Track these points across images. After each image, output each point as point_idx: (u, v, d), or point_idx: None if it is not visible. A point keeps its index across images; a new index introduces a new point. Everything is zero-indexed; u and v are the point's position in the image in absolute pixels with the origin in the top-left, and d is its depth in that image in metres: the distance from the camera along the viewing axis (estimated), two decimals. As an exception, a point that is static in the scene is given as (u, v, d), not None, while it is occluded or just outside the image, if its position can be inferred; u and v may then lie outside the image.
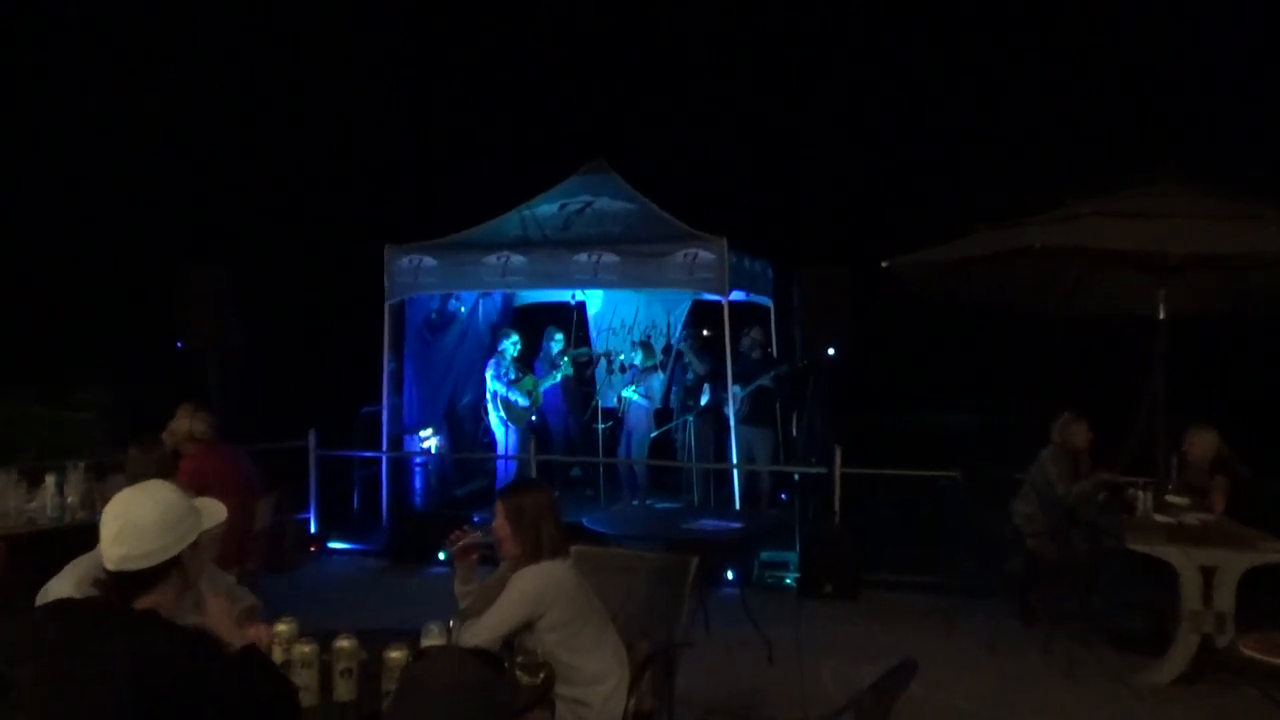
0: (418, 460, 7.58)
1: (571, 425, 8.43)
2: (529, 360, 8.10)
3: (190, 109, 12.34)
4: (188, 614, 1.93)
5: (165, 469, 3.66)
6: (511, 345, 7.82)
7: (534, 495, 2.80)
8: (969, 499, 5.15)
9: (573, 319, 8.44)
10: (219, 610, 2.01)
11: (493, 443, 8.04)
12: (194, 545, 1.92)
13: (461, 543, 2.84)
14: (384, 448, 7.28)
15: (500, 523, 2.75)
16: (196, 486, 2.73)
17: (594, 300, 9.03)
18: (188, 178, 11.92)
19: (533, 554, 2.71)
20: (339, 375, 8.74)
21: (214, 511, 2.06)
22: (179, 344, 6.53)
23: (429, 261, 7.09)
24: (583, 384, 8.65)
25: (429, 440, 7.76)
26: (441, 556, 6.37)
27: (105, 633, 1.69)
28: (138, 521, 1.84)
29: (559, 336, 8.17)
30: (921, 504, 5.76)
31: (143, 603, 1.81)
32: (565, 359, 7.93)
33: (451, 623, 2.65)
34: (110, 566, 1.81)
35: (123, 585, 1.81)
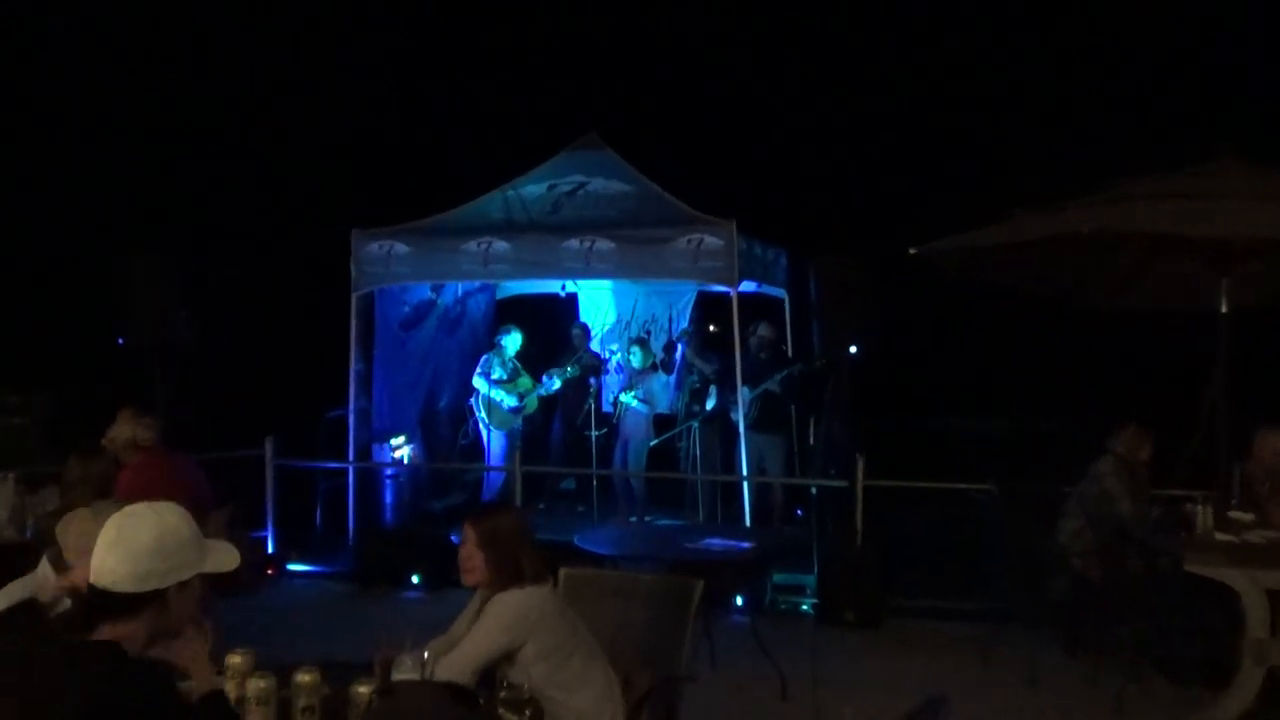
0: (389, 471, 7.58)
1: (562, 432, 8.44)
2: (540, 362, 8.13)
3: (130, 78, 12.30)
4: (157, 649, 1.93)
5: (107, 482, 3.65)
6: (512, 342, 7.83)
7: (508, 519, 2.82)
8: (1007, 514, 5.14)
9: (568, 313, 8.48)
10: (193, 648, 2.02)
11: (476, 449, 8.04)
12: (184, 585, 1.92)
13: (389, 665, 2.73)
14: (350, 457, 7.27)
15: (470, 550, 2.75)
16: (138, 500, 2.72)
17: (587, 292, 9.05)
18: (129, 155, 11.90)
19: (513, 580, 2.72)
20: (300, 376, 8.72)
21: (222, 557, 2.04)
22: (120, 341, 6.52)
23: (401, 248, 7.08)
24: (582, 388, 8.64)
25: (401, 449, 7.76)
26: (415, 580, 6.37)
27: (53, 668, 1.69)
28: (131, 537, 1.86)
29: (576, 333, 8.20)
30: (954, 520, 5.76)
31: (107, 633, 1.81)
32: (571, 365, 7.95)
33: (424, 654, 2.64)
34: (91, 579, 1.85)
35: (93, 606, 1.83)
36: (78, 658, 1.72)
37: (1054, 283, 5.54)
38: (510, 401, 7.78)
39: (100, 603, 1.83)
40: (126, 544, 1.86)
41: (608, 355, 8.47)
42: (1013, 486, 5.32)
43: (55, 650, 1.73)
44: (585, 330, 8.44)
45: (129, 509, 1.93)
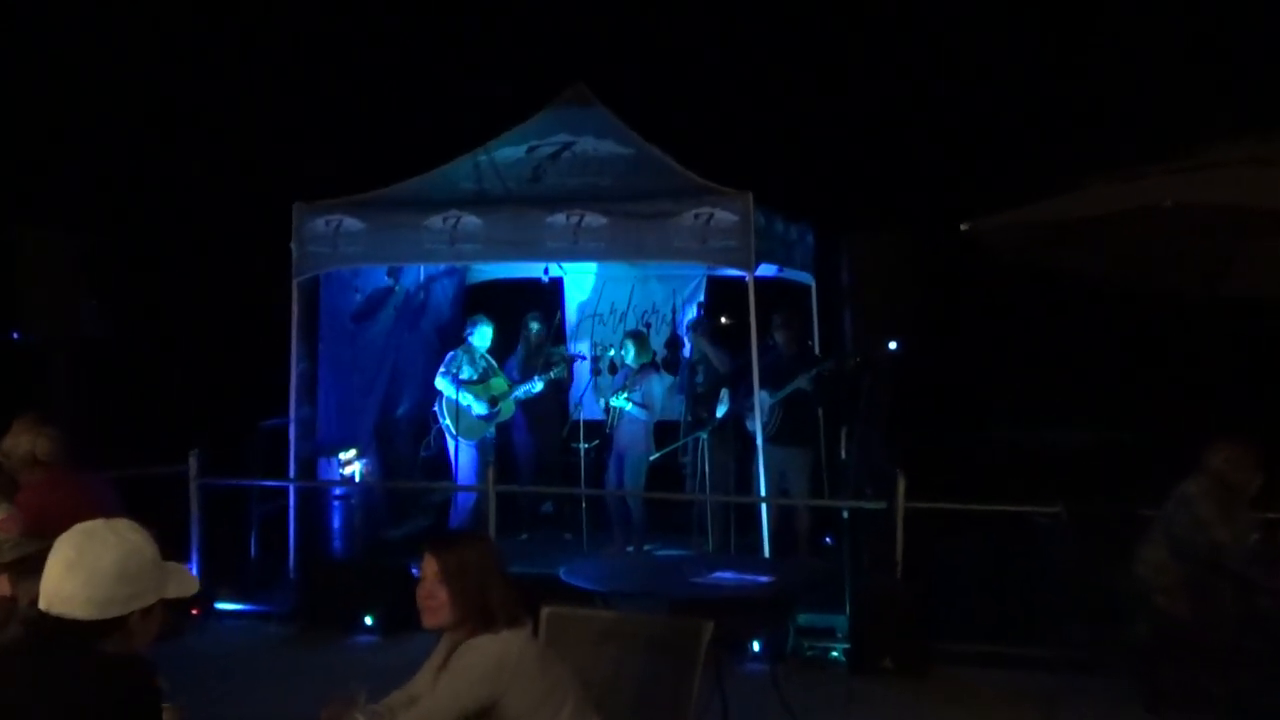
0: (337, 492, 7.59)
1: (541, 444, 8.44)
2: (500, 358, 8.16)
3: (25, 20, 12.25)
4: None
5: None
6: (481, 336, 7.84)
7: (479, 549, 2.83)
8: (1076, 542, 5.16)
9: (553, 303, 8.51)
10: None
11: (441, 465, 8.04)
12: (148, 612, 2.04)
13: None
14: (291, 475, 7.28)
15: (432, 586, 2.76)
16: (40, 526, 2.72)
17: (575, 277, 9.06)
18: (23, 112, 11.84)
19: (484, 622, 2.72)
20: (231, 377, 8.72)
21: (184, 580, 2.17)
22: (14, 335, 6.51)
23: (352, 224, 7.09)
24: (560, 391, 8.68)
25: (352, 465, 7.77)
26: (369, 622, 6.39)
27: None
28: (93, 561, 1.96)
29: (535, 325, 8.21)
30: (1013, 550, 5.77)
31: None
32: (557, 366, 7.96)
33: (380, 711, 2.64)
34: (43, 605, 1.94)
35: (48, 634, 1.92)
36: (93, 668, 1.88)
37: (1132, 266, 5.53)
38: (480, 408, 7.78)
39: (55, 631, 1.92)
40: (86, 567, 1.95)
41: (598, 352, 8.49)
42: (1083, 509, 5.33)
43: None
44: (545, 323, 8.42)
45: (84, 527, 2.03)
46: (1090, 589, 5.17)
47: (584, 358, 8.61)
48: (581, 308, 9.18)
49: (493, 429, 8.01)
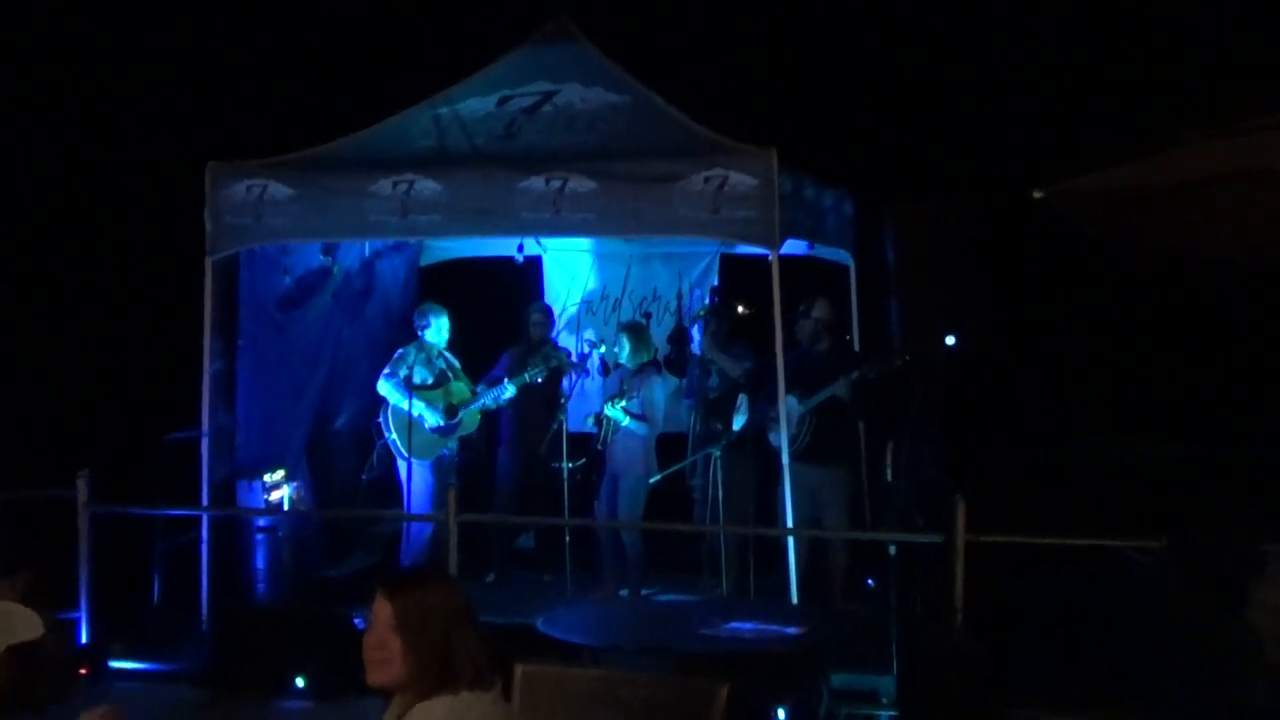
0: (261, 522, 7.59)
1: (525, 463, 8.42)
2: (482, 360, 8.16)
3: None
4: None
5: None
6: (438, 330, 7.85)
7: (438, 592, 2.82)
8: (1177, 582, 5.16)
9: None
10: None
11: (390, 489, 8.03)
12: None
13: None
14: (204, 501, 7.28)
15: (383, 634, 2.75)
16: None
17: (556, 256, 9.04)
18: None
19: (443, 681, 2.72)
20: (129, 380, 8.71)
21: (22, 624, 2.25)
22: None
23: (280, 190, 7.10)
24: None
25: (279, 489, 7.77)
26: (300, 684, 6.38)
27: None
28: None
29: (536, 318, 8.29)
30: (1099, 591, 5.76)
31: None
32: (535, 367, 7.93)
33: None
34: None
35: None
36: None
37: (1244, 244, 5.54)
38: (433, 418, 7.75)
39: None
40: None
41: (586, 349, 8.48)
42: (1186, 542, 5.33)
43: None
44: (548, 315, 8.45)
45: None
46: (1195, 641, 5.16)
47: (585, 354, 8.54)
48: (565, 294, 9.18)
49: (453, 444, 7.99)
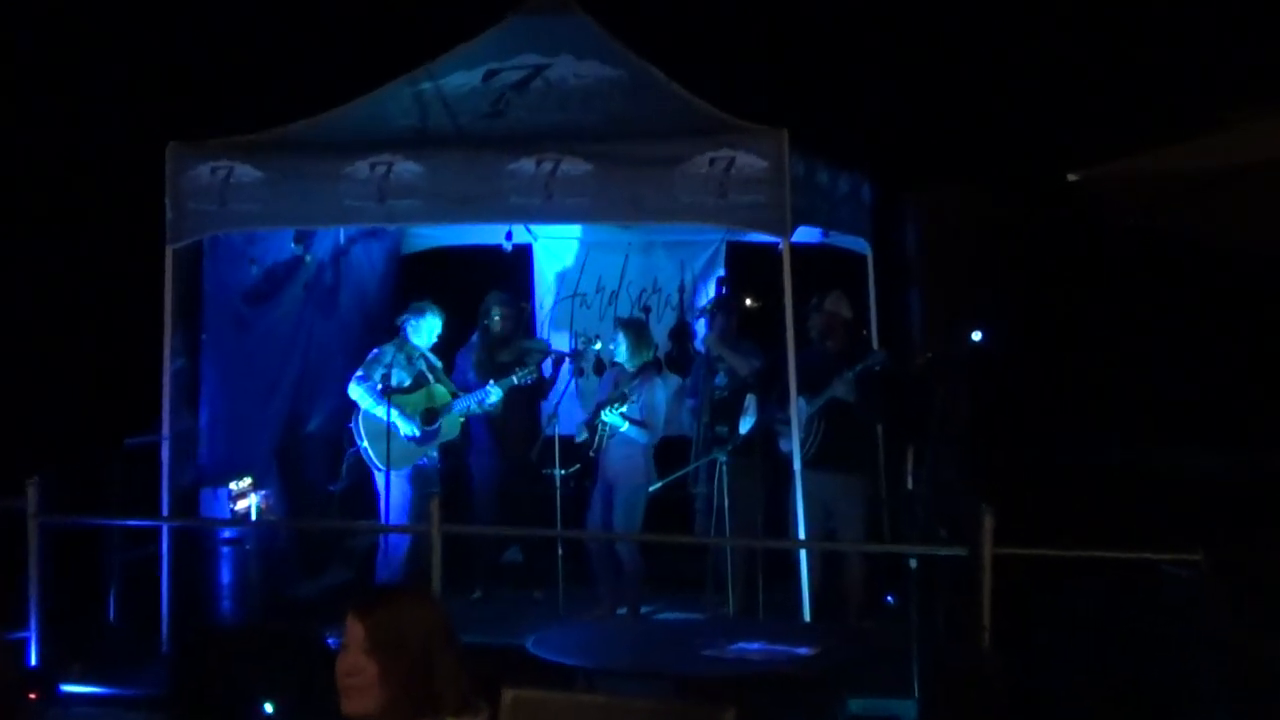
0: (226, 534, 7.57)
1: (509, 470, 8.42)
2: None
3: None
4: None
5: None
6: (427, 329, 7.83)
7: (419, 610, 2.81)
8: (1222, 601, 5.15)
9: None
10: None
11: (365, 499, 8.01)
12: None
13: None
14: (164, 511, 7.26)
15: (357, 659, 2.74)
16: None
17: (547, 244, 9.03)
18: None
19: (424, 708, 2.71)
20: (84, 379, 8.70)
21: None
22: None
23: (247, 173, 7.09)
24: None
25: (246, 498, 7.76)
26: (268, 710, 6.36)
27: None
28: None
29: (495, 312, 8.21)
30: (1137, 611, 5.76)
31: None
32: (526, 368, 7.90)
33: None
34: None
35: None
36: None
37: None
38: (408, 427, 7.67)
39: None
40: None
41: (579, 345, 8.48)
42: (1232, 557, 5.32)
43: None
44: (513, 306, 8.40)
45: None
46: (1233, 661, 5.16)
47: (566, 354, 8.51)
48: (557, 285, 9.18)
49: (433, 452, 7.96)
